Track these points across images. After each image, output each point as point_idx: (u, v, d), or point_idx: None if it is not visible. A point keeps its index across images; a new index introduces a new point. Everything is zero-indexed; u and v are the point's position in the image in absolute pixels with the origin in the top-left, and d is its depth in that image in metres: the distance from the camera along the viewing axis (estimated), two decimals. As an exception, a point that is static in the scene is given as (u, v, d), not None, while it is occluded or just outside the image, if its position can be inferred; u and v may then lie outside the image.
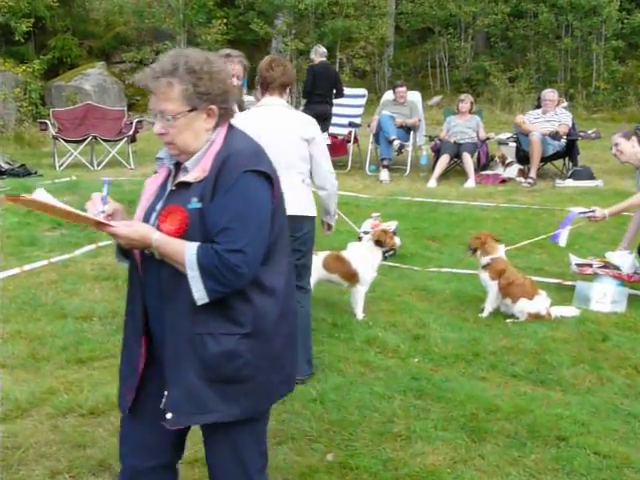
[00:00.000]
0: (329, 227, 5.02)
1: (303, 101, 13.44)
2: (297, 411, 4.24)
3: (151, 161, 13.76)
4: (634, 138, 6.33)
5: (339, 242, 7.51)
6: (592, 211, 6.33)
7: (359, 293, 5.80)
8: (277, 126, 4.53)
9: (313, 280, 5.49)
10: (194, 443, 3.84)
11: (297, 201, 4.39)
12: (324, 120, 12.50)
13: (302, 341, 4.54)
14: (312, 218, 4.66)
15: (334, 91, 12.60)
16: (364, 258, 5.84)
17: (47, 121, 13.73)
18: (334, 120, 13.15)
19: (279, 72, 4.58)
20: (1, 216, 9.06)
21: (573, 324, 5.65)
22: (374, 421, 4.14)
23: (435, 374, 4.79)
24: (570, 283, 6.47)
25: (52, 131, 13.38)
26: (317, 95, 12.35)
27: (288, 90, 4.71)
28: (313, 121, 4.72)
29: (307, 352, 4.67)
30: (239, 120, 4.56)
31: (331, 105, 12.60)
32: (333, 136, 13.39)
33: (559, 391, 4.57)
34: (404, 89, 12.91)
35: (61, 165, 13.02)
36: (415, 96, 13.44)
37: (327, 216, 4.92)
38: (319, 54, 12.78)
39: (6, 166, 12.26)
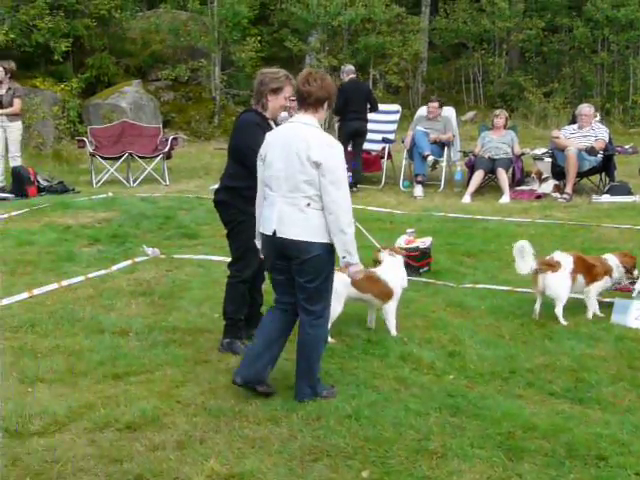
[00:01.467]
0: (346, 265, 4.51)
1: (336, 118, 13.48)
2: (332, 427, 4.23)
3: (186, 177, 13.91)
4: None
5: (365, 258, 7.52)
6: None
7: (390, 309, 5.77)
8: (286, 146, 4.41)
9: (341, 300, 5.51)
10: (228, 459, 3.87)
11: (297, 226, 4.37)
12: (360, 136, 12.56)
13: (305, 366, 4.59)
14: (319, 244, 4.37)
15: (368, 107, 12.63)
16: (395, 274, 5.81)
17: (84, 138, 13.92)
18: (368, 136, 13.14)
19: (316, 86, 4.42)
20: (40, 232, 9.20)
21: (612, 341, 5.58)
22: (409, 438, 4.11)
23: (471, 391, 4.75)
24: (608, 300, 6.38)
25: (89, 148, 13.55)
26: (351, 112, 12.38)
27: (326, 105, 4.53)
28: (332, 144, 4.43)
29: (310, 377, 4.61)
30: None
31: (366, 121, 12.63)
32: (367, 152, 13.41)
33: (598, 410, 4.50)
34: (435, 104, 12.88)
35: (98, 182, 13.18)
36: (449, 111, 13.41)
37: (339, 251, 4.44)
38: (346, 72, 12.85)
39: (45, 183, 12.44)
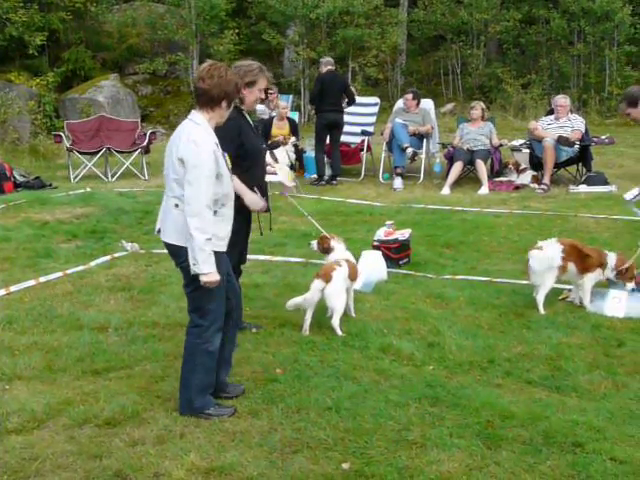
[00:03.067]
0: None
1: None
2: (312, 419, 4.24)
3: (165, 172, 13.84)
4: None
5: (353, 251, 7.52)
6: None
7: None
8: (170, 144, 4.25)
9: (343, 292, 5.61)
10: (208, 453, 3.88)
11: (168, 228, 4.24)
12: (337, 128, 12.57)
13: (182, 375, 4.41)
14: (186, 248, 4.11)
15: (346, 99, 12.65)
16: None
17: (61, 133, 13.83)
18: (347, 129, 13.19)
19: (211, 84, 4.19)
20: (16, 229, 9.13)
21: (588, 330, 5.63)
22: (389, 429, 4.14)
23: (450, 381, 4.78)
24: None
25: (66, 143, 13.47)
26: (328, 104, 12.41)
27: (224, 104, 4.26)
28: (196, 141, 4.10)
29: (186, 388, 4.36)
30: None
31: (342, 113, 12.65)
32: (346, 145, 13.43)
33: (575, 397, 4.55)
34: (409, 96, 12.87)
35: (75, 177, 13.11)
36: (427, 104, 13.43)
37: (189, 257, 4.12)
38: (324, 64, 12.83)
39: (21, 179, 12.36)
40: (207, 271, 4.08)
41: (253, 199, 5.14)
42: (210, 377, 4.42)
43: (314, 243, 6.13)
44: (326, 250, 6.03)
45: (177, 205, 4.14)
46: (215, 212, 4.18)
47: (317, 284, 5.55)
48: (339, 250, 5.98)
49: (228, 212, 4.36)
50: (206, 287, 4.16)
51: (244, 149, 5.17)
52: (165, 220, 4.28)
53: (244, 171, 5.08)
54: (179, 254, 4.20)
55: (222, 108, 4.30)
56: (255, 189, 5.21)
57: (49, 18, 18.43)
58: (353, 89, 14.45)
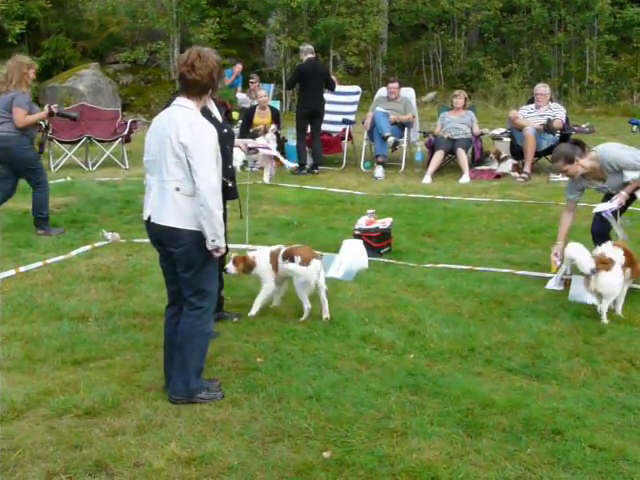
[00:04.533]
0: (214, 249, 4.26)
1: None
2: (293, 408, 4.24)
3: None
4: (577, 158, 6.37)
5: (335, 239, 7.55)
6: (614, 202, 6.33)
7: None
8: (160, 129, 4.26)
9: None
10: (189, 442, 3.87)
11: (167, 212, 4.22)
12: (317, 117, 12.54)
13: (179, 358, 4.40)
14: (187, 231, 4.20)
15: (326, 88, 12.64)
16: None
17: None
18: (328, 117, 13.18)
19: (203, 75, 4.23)
20: (-4, 218, 9.05)
21: (568, 318, 5.67)
22: (370, 417, 4.15)
23: (431, 370, 4.79)
24: (565, 277, 6.47)
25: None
26: (308, 93, 12.40)
27: (210, 91, 4.35)
28: (200, 124, 4.21)
29: (184, 371, 4.38)
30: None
31: (323, 101, 12.62)
32: (327, 133, 13.42)
33: (554, 385, 4.58)
34: (396, 85, 12.92)
35: (56, 166, 12.99)
36: (409, 92, 13.43)
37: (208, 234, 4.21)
38: (304, 52, 12.78)
39: (0, 168, 12.22)
40: (223, 245, 4.29)
41: None
42: (203, 359, 4.50)
43: (230, 267, 5.75)
44: (249, 268, 5.81)
45: (178, 188, 4.19)
46: None
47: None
48: (262, 260, 5.84)
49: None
50: (207, 269, 4.34)
51: None
52: (162, 205, 4.25)
53: None
54: (178, 237, 4.23)
55: (208, 94, 4.39)
56: (223, 178, 5.18)
57: (28, 6, 18.28)
58: (334, 78, 14.42)
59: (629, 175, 6.29)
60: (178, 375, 4.39)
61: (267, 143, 10.44)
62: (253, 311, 5.75)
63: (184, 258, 4.29)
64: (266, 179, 11.39)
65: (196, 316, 4.39)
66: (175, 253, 4.29)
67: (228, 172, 5.24)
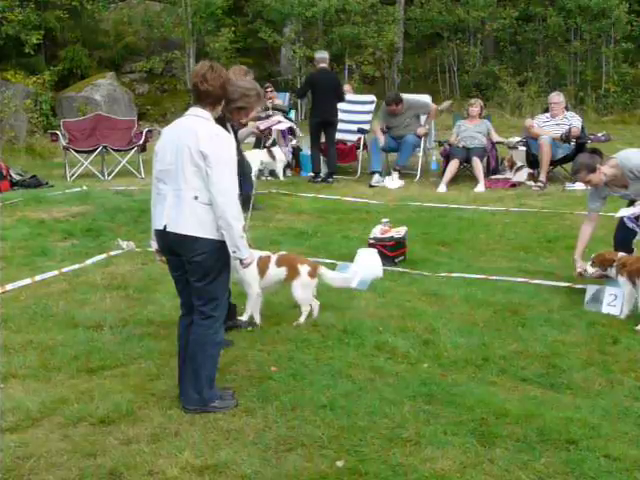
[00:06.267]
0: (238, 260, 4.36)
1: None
2: (307, 417, 4.24)
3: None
4: (598, 166, 6.36)
5: (349, 248, 7.56)
6: (639, 208, 6.34)
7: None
8: (177, 139, 4.29)
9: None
10: (202, 451, 3.88)
11: (185, 220, 4.23)
12: (330, 126, 12.52)
13: (191, 368, 4.40)
14: (205, 240, 4.23)
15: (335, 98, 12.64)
16: None
17: (58, 132, 13.81)
18: (343, 126, 13.18)
19: (215, 86, 4.32)
20: (13, 227, 9.12)
21: (583, 327, 5.63)
22: (383, 427, 4.14)
23: (445, 379, 4.78)
24: (580, 286, 6.44)
25: (63, 142, 13.46)
26: (320, 102, 12.39)
27: (224, 102, 4.47)
28: (220, 134, 4.28)
29: (196, 381, 4.39)
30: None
31: (335, 110, 12.57)
32: (342, 142, 13.41)
33: (569, 394, 4.56)
34: (393, 107, 12.55)
35: (72, 175, 13.09)
36: (425, 99, 13.45)
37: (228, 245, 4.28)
38: (317, 60, 12.77)
39: (18, 177, 12.33)
40: (247, 255, 4.32)
41: None
42: (215, 368, 4.51)
43: None
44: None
45: (197, 197, 4.21)
46: None
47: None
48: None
49: None
50: (220, 279, 4.38)
51: None
52: (179, 213, 4.27)
53: None
54: (194, 246, 4.25)
55: (221, 105, 4.47)
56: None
57: (45, 17, 18.45)
58: (349, 86, 14.44)
59: None
60: (191, 385, 4.40)
61: (277, 119, 10.39)
62: (245, 316, 5.76)
63: (200, 267, 4.30)
64: (280, 174, 11.68)
65: (208, 325, 4.40)
66: (192, 262, 4.30)
67: (248, 182, 5.30)
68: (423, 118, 12.77)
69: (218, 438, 4.05)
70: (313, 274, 5.77)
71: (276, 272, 5.76)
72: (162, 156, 4.38)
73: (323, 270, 5.90)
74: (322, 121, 12.39)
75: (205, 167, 4.16)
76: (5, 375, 4.88)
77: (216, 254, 4.27)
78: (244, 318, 5.77)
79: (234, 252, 4.25)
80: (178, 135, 4.31)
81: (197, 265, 4.30)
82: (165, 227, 4.33)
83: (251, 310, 5.78)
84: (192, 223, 4.24)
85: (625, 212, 6.45)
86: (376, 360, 5.10)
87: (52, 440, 4.04)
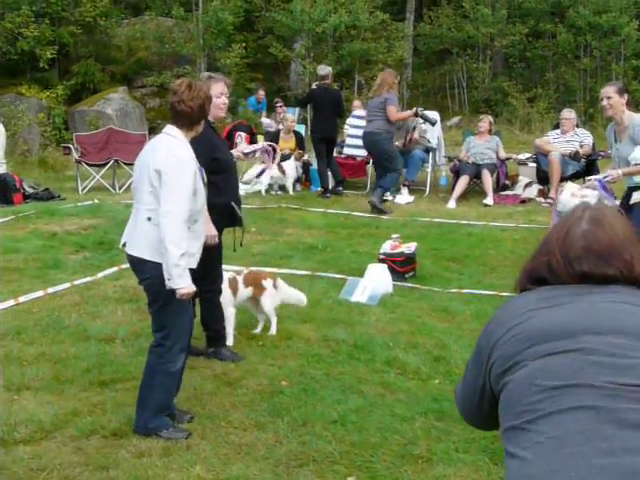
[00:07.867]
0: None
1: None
2: (318, 433, 4.25)
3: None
4: (625, 96, 6.39)
5: (359, 264, 7.57)
6: (608, 175, 6.40)
7: None
8: (142, 156, 4.18)
9: None
10: (214, 465, 3.88)
11: (137, 241, 4.13)
12: (331, 142, 12.57)
13: (140, 393, 4.28)
14: (152, 263, 4.03)
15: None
16: None
17: (70, 145, 13.91)
18: (353, 142, 13.23)
19: (193, 106, 4.11)
20: (25, 240, 9.17)
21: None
22: (395, 443, 4.14)
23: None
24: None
25: (75, 155, 13.55)
26: (320, 119, 12.46)
27: (202, 122, 4.28)
28: (178, 155, 4.03)
29: (143, 407, 4.25)
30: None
31: (335, 126, 12.62)
32: (352, 158, 13.47)
33: (581, 412, 4.54)
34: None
35: (84, 189, 13.16)
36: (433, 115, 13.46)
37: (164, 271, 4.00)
38: (318, 76, 12.85)
39: (30, 190, 12.41)
40: (182, 285, 3.99)
41: (208, 228, 4.84)
42: (169, 398, 4.32)
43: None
44: None
45: (149, 218, 4.04)
46: (188, 228, 4.09)
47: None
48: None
49: (200, 228, 4.32)
50: (171, 306, 4.11)
51: (217, 163, 5.08)
52: (133, 233, 4.19)
53: (217, 186, 5.00)
54: (143, 269, 4.12)
55: (200, 125, 4.27)
56: (233, 204, 5.24)
57: (59, 32, 18.63)
58: (359, 102, 14.51)
59: (637, 153, 6.25)
60: (139, 411, 4.27)
61: (262, 144, 10.45)
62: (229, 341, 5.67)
63: (148, 291, 4.21)
64: (290, 189, 11.73)
65: (159, 354, 4.25)
66: (142, 285, 4.24)
67: (237, 198, 5.32)
68: (430, 129, 12.76)
69: (229, 452, 4.05)
70: (276, 286, 5.91)
71: (245, 291, 5.81)
72: (134, 172, 4.36)
73: (281, 283, 6.01)
74: (322, 137, 12.43)
75: (160, 187, 3.97)
76: (18, 387, 4.90)
77: (163, 280, 4.00)
78: (229, 342, 5.60)
79: (168, 279, 3.96)
80: (146, 152, 4.20)
81: (146, 289, 4.21)
82: (124, 245, 4.28)
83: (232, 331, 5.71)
84: (141, 245, 4.09)
85: (599, 176, 6.51)
86: (387, 376, 5.10)
87: (65, 453, 4.05)
